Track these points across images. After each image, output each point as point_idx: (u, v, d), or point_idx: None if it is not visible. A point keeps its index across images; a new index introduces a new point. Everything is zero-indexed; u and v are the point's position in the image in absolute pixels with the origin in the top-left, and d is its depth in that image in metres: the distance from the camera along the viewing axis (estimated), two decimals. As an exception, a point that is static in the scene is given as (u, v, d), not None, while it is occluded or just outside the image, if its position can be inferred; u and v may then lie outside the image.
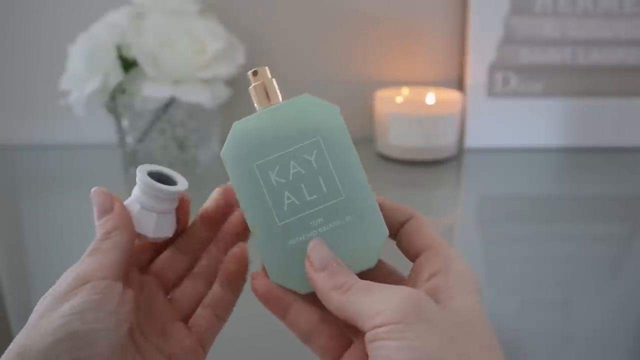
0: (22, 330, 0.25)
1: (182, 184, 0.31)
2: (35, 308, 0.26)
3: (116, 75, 0.70)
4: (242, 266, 0.32)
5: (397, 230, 0.30)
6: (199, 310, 0.33)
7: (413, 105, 0.81)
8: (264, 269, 0.30)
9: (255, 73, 0.30)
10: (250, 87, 0.30)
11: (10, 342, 0.25)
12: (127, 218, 0.29)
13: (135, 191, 0.31)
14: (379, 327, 0.24)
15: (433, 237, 0.29)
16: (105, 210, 0.29)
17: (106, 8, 0.75)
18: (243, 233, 0.33)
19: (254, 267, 0.32)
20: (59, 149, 0.88)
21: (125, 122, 0.76)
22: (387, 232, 0.29)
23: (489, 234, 0.64)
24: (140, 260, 0.32)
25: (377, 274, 0.30)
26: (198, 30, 0.73)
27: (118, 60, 0.71)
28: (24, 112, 0.89)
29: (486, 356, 0.24)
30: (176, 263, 0.33)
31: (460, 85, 0.88)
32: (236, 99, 0.78)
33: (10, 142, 0.89)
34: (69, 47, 0.73)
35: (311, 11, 0.86)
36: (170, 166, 0.31)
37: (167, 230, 0.31)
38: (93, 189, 0.30)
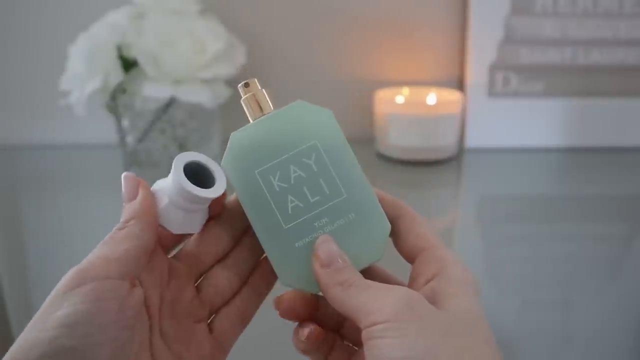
0: (21, 334, 0.24)
1: (219, 185, 0.28)
2: (43, 304, 0.24)
3: (116, 75, 0.70)
4: (271, 280, 0.31)
5: (390, 225, 0.30)
6: (224, 310, 0.30)
7: (413, 105, 0.81)
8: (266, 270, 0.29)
9: (246, 85, 0.31)
10: (242, 99, 0.31)
11: (10, 342, 0.24)
12: (147, 206, 0.27)
13: (169, 182, 0.28)
14: (375, 325, 0.24)
15: (426, 238, 0.29)
16: (130, 198, 0.27)
17: (106, 8, 0.75)
18: None
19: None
20: (59, 149, 0.88)
21: (125, 122, 0.76)
22: (389, 226, 0.29)
23: (489, 234, 0.64)
24: (171, 244, 0.30)
25: (374, 279, 0.29)
26: (198, 30, 0.73)
27: (118, 60, 0.71)
28: (24, 112, 0.89)
29: (483, 351, 0.24)
30: (216, 243, 0.30)
31: (460, 85, 0.88)
32: (236, 99, 0.78)
33: (10, 142, 0.89)
34: (69, 47, 0.73)
35: (311, 11, 0.85)
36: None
37: (194, 226, 0.29)
38: (123, 174, 0.28)
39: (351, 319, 0.25)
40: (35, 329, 0.23)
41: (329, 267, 0.27)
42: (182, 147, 0.77)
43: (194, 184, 0.27)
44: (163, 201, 0.28)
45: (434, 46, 0.87)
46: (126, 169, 0.78)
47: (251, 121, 0.30)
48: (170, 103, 0.74)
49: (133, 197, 0.27)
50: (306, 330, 0.28)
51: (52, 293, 0.24)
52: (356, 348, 0.31)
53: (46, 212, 0.70)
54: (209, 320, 0.30)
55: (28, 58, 0.87)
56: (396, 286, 0.26)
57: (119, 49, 0.71)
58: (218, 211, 0.30)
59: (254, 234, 0.29)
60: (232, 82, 0.78)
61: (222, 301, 0.30)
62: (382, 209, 0.29)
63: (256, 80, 0.31)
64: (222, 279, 0.30)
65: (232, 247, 0.31)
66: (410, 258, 0.29)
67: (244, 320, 0.30)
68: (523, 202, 0.73)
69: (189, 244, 0.30)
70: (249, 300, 0.31)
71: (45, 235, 0.64)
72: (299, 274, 0.29)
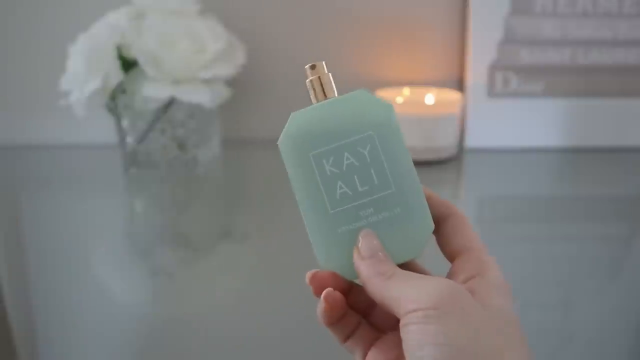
0: None
1: None
2: None
3: (116, 75, 0.70)
4: None
5: (437, 224, 0.30)
6: None
7: (413, 105, 0.81)
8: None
9: (312, 67, 0.31)
10: (307, 80, 0.31)
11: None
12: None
13: None
14: (415, 311, 0.24)
15: (472, 239, 0.29)
16: None
17: (106, 8, 0.75)
18: None
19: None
20: (59, 149, 0.88)
21: (125, 122, 0.76)
22: (433, 225, 0.30)
23: (489, 234, 0.64)
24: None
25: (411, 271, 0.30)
26: (198, 30, 0.73)
27: (118, 60, 0.71)
28: (24, 112, 0.89)
29: (520, 352, 0.24)
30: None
31: (460, 85, 0.88)
32: (236, 99, 0.78)
33: (10, 142, 0.89)
34: (69, 47, 0.73)
35: (311, 11, 0.86)
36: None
37: None
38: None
39: (390, 309, 0.26)
40: None
41: (370, 260, 0.27)
42: (182, 147, 0.77)
43: None
44: None
45: (434, 46, 0.87)
46: (126, 169, 0.78)
47: (313, 103, 0.31)
48: (170, 103, 0.74)
49: None
50: (324, 291, 0.28)
51: None
52: (382, 334, 0.30)
53: (46, 212, 0.70)
54: None
55: (28, 58, 0.87)
56: (439, 277, 0.26)
57: (119, 49, 0.71)
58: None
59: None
60: (232, 82, 0.78)
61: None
62: (428, 208, 0.30)
63: (324, 63, 0.31)
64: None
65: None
66: (451, 256, 0.30)
67: None
68: (523, 202, 0.73)
69: None
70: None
71: (45, 235, 0.64)
72: (338, 259, 0.29)
